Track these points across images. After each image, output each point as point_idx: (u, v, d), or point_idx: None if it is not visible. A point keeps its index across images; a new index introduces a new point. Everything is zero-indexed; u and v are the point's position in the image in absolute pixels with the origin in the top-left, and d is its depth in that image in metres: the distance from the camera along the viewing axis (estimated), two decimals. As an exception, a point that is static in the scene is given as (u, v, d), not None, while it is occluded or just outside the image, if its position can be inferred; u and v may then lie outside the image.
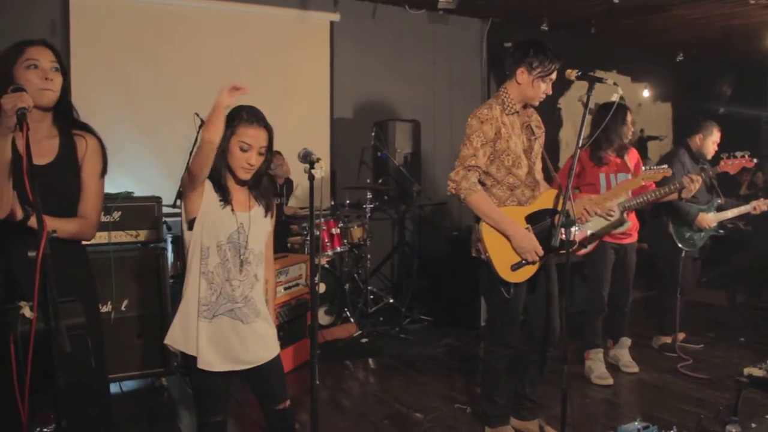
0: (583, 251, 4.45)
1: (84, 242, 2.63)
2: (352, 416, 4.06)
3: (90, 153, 2.52)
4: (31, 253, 1.91)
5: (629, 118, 4.54)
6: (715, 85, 9.95)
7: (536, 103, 3.35)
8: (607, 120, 4.26)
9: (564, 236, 3.08)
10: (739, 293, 7.27)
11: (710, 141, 5.09)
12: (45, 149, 2.39)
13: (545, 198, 3.39)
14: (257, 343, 2.55)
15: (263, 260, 2.64)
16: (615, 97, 3.11)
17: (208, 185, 2.52)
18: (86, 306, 2.28)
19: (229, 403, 2.65)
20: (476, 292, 5.92)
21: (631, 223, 4.56)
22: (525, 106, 3.41)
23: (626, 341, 4.93)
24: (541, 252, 3.25)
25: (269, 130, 2.57)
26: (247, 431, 3.90)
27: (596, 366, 4.64)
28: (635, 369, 4.80)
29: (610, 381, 4.56)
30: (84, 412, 2.31)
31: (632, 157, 4.66)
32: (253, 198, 2.62)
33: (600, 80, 3.08)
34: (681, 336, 5.33)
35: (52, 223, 2.18)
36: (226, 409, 2.62)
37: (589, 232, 4.27)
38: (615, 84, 3.08)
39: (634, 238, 4.69)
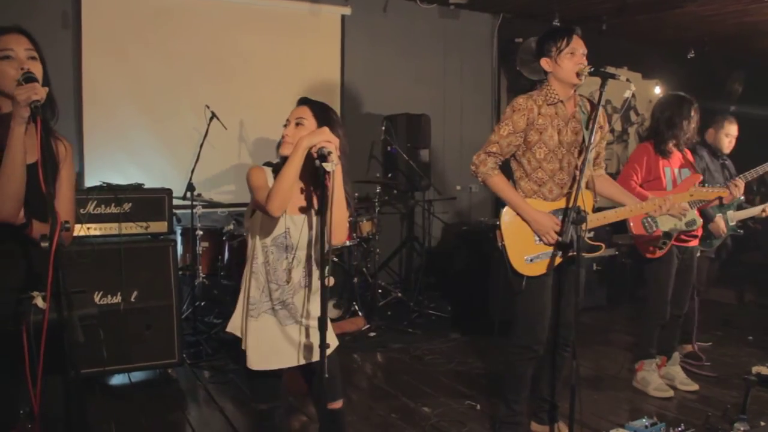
0: (659, 253, 4.23)
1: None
2: (360, 410, 4.06)
3: (68, 158, 2.41)
4: (44, 244, 1.92)
5: (694, 113, 4.27)
6: (726, 82, 9.89)
7: (577, 80, 3.20)
8: (672, 114, 4.24)
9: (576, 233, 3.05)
10: (748, 292, 7.25)
11: (722, 134, 4.94)
12: (27, 147, 2.16)
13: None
14: (296, 344, 2.54)
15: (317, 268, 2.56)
16: (628, 94, 3.07)
17: (270, 176, 2.47)
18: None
19: (279, 393, 2.65)
20: (485, 287, 5.93)
21: (701, 222, 4.31)
22: (573, 98, 3.33)
23: (678, 356, 4.62)
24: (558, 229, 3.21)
25: (309, 105, 2.53)
26: (254, 422, 3.92)
27: (652, 377, 4.36)
28: (695, 387, 4.41)
29: (671, 393, 4.28)
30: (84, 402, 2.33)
31: (687, 153, 4.44)
32: (316, 199, 2.50)
33: (613, 76, 3.06)
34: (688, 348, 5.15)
35: (43, 229, 2.05)
36: (275, 399, 2.63)
37: (662, 231, 4.22)
38: (628, 80, 3.05)
39: (697, 241, 4.43)
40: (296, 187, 2.41)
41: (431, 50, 7.72)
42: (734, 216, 4.85)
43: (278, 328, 2.53)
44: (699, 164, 4.75)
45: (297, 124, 2.46)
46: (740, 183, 4.37)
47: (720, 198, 4.32)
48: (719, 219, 4.76)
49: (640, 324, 4.60)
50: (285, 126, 2.49)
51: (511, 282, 3.34)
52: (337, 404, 2.65)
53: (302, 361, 2.55)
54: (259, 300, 2.51)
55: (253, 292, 2.51)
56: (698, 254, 4.73)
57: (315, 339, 2.49)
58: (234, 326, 2.61)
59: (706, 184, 4.23)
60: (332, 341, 2.60)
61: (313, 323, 2.51)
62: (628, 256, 4.64)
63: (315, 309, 2.52)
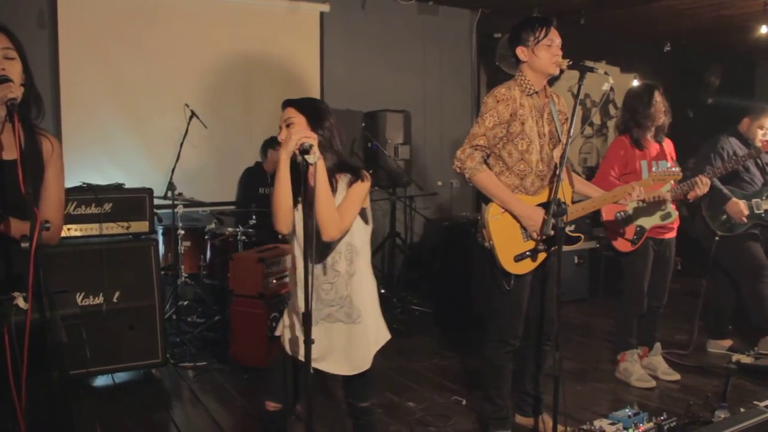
0: (631, 247, 4.27)
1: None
2: (345, 405, 4.06)
3: (55, 156, 2.36)
4: (24, 244, 1.90)
5: (657, 97, 4.24)
6: (703, 75, 9.99)
7: (554, 71, 3.20)
8: (634, 102, 4.27)
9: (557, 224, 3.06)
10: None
11: (755, 126, 4.80)
12: (7, 144, 2.16)
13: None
14: (354, 349, 2.57)
15: (358, 252, 2.56)
16: (606, 87, 3.09)
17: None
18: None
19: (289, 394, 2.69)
20: (468, 282, 5.96)
21: (677, 215, 4.34)
22: (546, 90, 3.32)
23: (659, 347, 4.61)
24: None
25: (293, 104, 2.53)
26: (239, 421, 3.91)
27: (634, 368, 4.39)
28: (676, 376, 4.44)
29: (653, 383, 4.32)
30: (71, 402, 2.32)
31: (668, 145, 4.44)
32: (335, 183, 2.52)
33: (591, 69, 3.06)
34: (728, 342, 5.12)
35: (23, 228, 2.02)
36: (287, 399, 2.67)
37: (636, 227, 4.25)
38: (606, 73, 3.07)
39: (674, 233, 4.41)
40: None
41: (410, 46, 7.72)
42: (761, 204, 4.73)
43: (338, 329, 2.56)
44: (716, 160, 4.65)
45: (287, 126, 2.48)
46: (705, 180, 4.24)
47: (685, 192, 4.26)
48: (734, 203, 4.68)
49: (617, 316, 4.64)
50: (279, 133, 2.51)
51: (498, 281, 3.30)
52: (367, 403, 2.73)
53: (361, 368, 2.60)
54: (314, 309, 2.47)
55: (302, 303, 2.51)
56: (717, 238, 4.77)
57: (365, 341, 2.56)
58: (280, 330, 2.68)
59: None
60: (383, 337, 2.68)
61: (365, 318, 2.57)
62: (608, 248, 4.64)
63: (367, 298, 2.60)
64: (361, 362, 2.59)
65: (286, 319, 2.67)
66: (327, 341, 2.55)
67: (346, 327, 2.56)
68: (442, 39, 7.93)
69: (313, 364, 2.51)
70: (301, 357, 2.49)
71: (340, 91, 7.17)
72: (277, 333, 2.72)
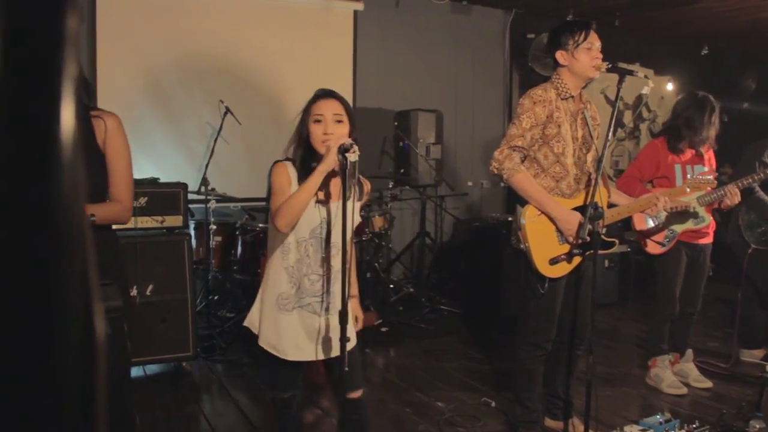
0: (661, 250, 4.25)
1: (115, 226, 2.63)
2: (373, 404, 4.07)
3: (112, 133, 2.38)
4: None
5: (716, 118, 4.20)
6: (739, 78, 9.85)
7: (594, 74, 3.18)
8: (693, 113, 4.18)
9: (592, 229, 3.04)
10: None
11: None
12: None
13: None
14: (332, 336, 2.54)
15: (339, 251, 2.55)
16: (646, 90, 3.08)
17: (293, 176, 2.45)
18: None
19: (299, 382, 2.69)
20: (497, 283, 5.94)
21: (710, 220, 4.26)
22: (581, 95, 3.32)
23: (691, 353, 4.55)
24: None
25: (341, 101, 2.51)
26: (268, 415, 3.94)
27: (665, 374, 4.34)
28: (708, 384, 4.39)
29: (684, 390, 4.28)
30: (116, 394, 2.35)
31: (707, 150, 4.34)
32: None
33: (630, 73, 3.05)
34: (761, 352, 5.02)
35: (88, 209, 2.11)
36: (297, 387, 2.67)
37: (666, 230, 4.21)
38: (645, 77, 3.05)
39: (710, 239, 4.35)
40: (334, 177, 2.43)
41: (443, 46, 7.72)
42: None
43: (312, 323, 2.54)
44: (756, 168, 4.52)
45: (338, 121, 2.44)
46: (734, 190, 4.14)
47: (720, 200, 4.17)
48: None
49: (649, 320, 4.59)
50: (318, 121, 2.45)
51: (532, 284, 3.29)
52: (357, 393, 2.65)
53: (336, 353, 2.54)
54: (294, 295, 2.51)
55: (285, 288, 2.51)
56: (750, 250, 4.68)
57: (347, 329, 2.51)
58: (251, 321, 2.63)
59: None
60: (352, 334, 2.63)
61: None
62: (639, 252, 4.61)
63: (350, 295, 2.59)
64: (329, 351, 2.56)
65: (260, 309, 2.61)
66: (302, 330, 2.53)
67: (323, 319, 2.54)
68: (474, 39, 7.91)
69: (290, 357, 2.53)
70: (275, 351, 2.52)
71: (372, 90, 7.18)
72: (246, 324, 2.66)
